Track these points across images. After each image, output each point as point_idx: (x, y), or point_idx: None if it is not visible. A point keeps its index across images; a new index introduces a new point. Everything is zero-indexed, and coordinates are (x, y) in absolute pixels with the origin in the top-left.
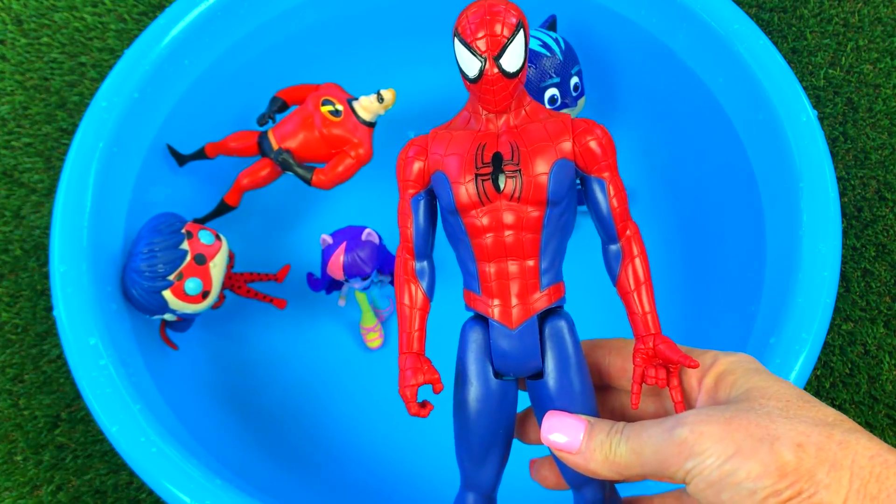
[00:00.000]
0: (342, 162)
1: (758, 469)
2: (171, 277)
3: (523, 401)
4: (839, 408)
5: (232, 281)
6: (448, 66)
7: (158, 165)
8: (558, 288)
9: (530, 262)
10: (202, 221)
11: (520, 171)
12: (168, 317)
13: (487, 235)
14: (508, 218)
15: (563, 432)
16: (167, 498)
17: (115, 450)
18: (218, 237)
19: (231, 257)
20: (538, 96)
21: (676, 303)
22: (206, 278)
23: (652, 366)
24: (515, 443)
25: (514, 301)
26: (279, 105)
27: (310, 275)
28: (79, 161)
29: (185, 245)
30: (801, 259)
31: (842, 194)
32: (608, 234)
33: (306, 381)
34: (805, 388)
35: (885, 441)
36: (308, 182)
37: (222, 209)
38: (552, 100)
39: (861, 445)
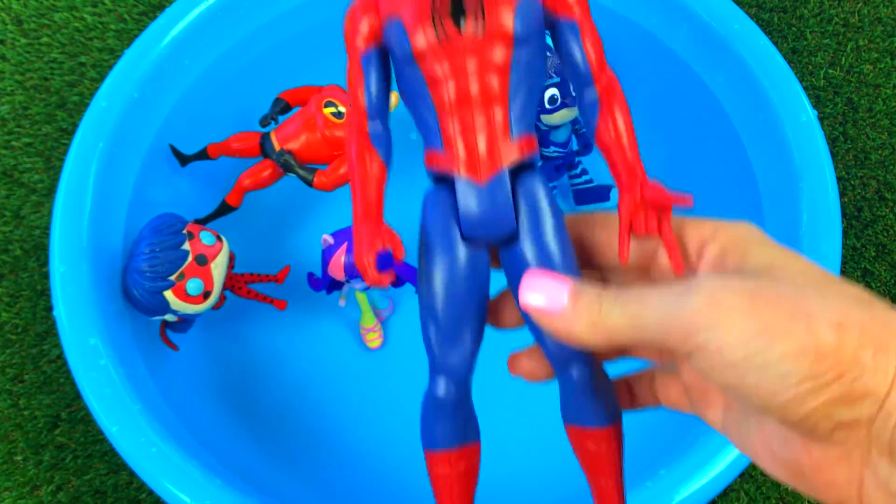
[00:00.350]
0: (344, 164)
1: (792, 349)
2: (173, 278)
3: (497, 283)
4: None
5: (233, 282)
6: None
7: (158, 165)
8: (531, 141)
9: (498, 110)
10: (204, 222)
11: (482, 4)
12: (169, 317)
13: (450, 83)
14: (472, 60)
15: (544, 292)
16: (167, 498)
17: (115, 450)
18: (219, 238)
19: (231, 258)
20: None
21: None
22: (208, 279)
23: (640, 212)
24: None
25: (482, 151)
26: (282, 106)
27: (310, 275)
28: (79, 161)
29: (186, 246)
30: None
31: (842, 194)
32: (583, 80)
33: (306, 381)
34: None
35: None
36: (309, 184)
37: (223, 209)
38: (552, 100)
39: None
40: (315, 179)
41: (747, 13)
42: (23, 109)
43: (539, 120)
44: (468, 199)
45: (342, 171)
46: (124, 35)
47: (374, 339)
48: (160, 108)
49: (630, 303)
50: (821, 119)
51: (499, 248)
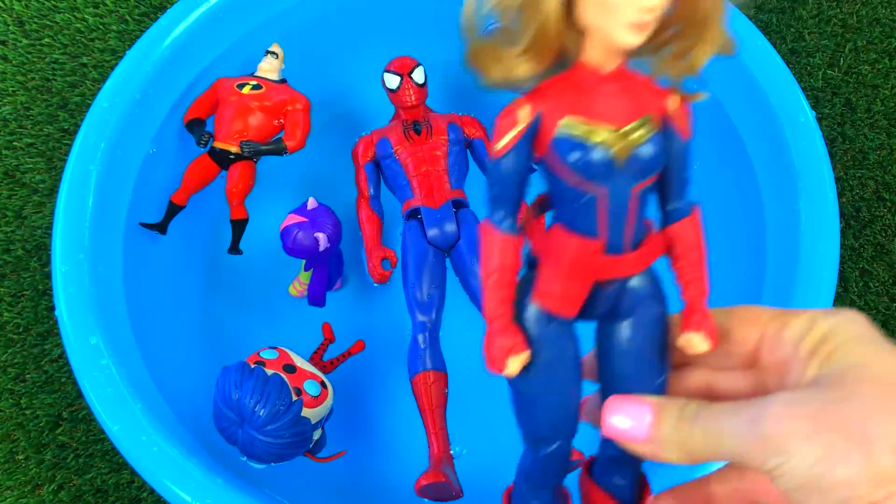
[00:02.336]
0: (296, 117)
1: (851, 475)
2: (294, 398)
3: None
4: None
5: (325, 369)
6: (440, 65)
7: (160, 166)
8: (461, 192)
9: (443, 173)
10: (158, 227)
11: (430, 125)
12: (316, 435)
13: (415, 161)
14: (427, 150)
15: (628, 416)
16: (168, 497)
17: (117, 449)
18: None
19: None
20: None
21: (676, 303)
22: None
23: None
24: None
25: (435, 192)
26: (199, 123)
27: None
28: (80, 161)
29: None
30: (800, 259)
31: (840, 195)
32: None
33: None
34: None
35: None
36: (285, 151)
37: (172, 210)
38: None
39: None
40: (287, 145)
41: (746, 14)
42: (25, 110)
43: None
44: (430, 217)
45: (300, 123)
46: (126, 36)
47: (296, 290)
48: (161, 109)
49: (710, 426)
50: (819, 120)
51: (450, 252)
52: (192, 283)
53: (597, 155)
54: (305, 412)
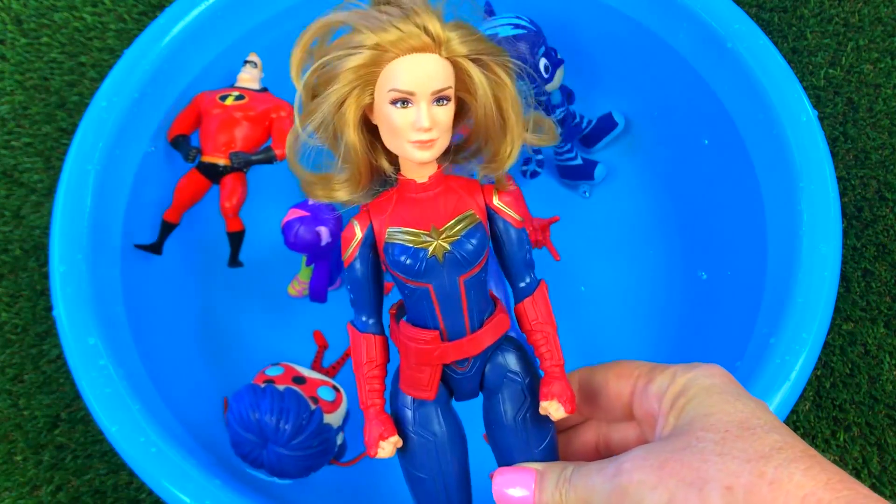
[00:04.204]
0: (282, 124)
1: None
2: (313, 406)
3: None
4: (839, 408)
5: (330, 374)
6: None
7: (158, 166)
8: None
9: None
10: (153, 248)
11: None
12: (339, 440)
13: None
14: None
15: (516, 484)
16: (167, 498)
17: (115, 450)
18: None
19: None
20: (536, 71)
21: (677, 303)
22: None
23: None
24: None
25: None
26: (184, 139)
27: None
28: (78, 161)
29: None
30: (802, 259)
31: (842, 194)
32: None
33: None
34: (805, 389)
35: (886, 441)
36: (275, 159)
37: (167, 229)
38: (546, 68)
39: (794, 484)
40: (277, 154)
41: (748, 13)
42: (22, 109)
43: (544, 93)
44: None
45: (287, 130)
46: (124, 35)
47: (295, 289)
48: (160, 108)
49: (580, 486)
50: (821, 119)
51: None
52: (190, 284)
53: (418, 255)
54: (327, 418)
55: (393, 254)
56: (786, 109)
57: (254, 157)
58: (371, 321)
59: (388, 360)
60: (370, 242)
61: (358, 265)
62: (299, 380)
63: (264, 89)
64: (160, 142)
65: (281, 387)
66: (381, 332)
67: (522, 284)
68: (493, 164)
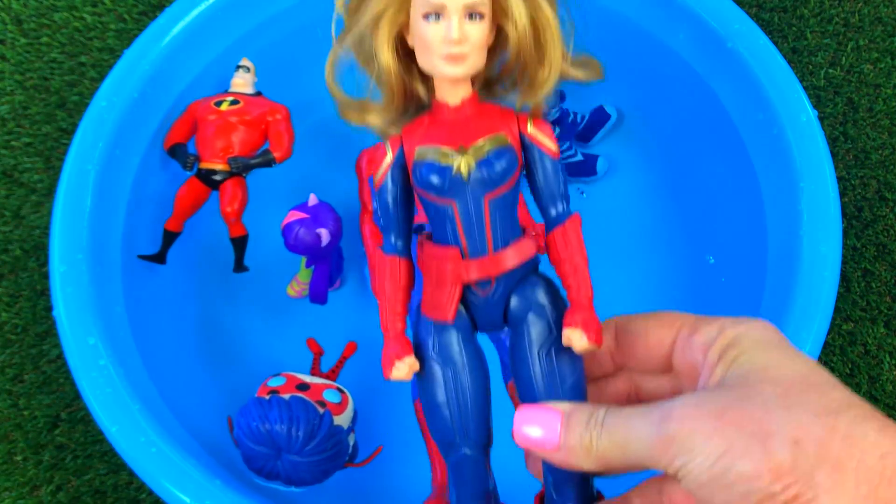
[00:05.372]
0: (278, 128)
1: (750, 469)
2: (321, 410)
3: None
4: None
5: (330, 378)
6: None
7: (158, 165)
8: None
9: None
10: (157, 258)
11: None
12: (351, 440)
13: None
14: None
15: (539, 425)
16: (167, 498)
17: (115, 450)
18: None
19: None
20: None
21: (677, 303)
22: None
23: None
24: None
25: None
26: (182, 148)
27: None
28: (78, 161)
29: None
30: (802, 259)
31: (842, 194)
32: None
33: None
34: None
35: None
36: (274, 162)
37: (169, 238)
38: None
39: (870, 441)
40: (275, 156)
41: (747, 13)
42: (22, 109)
43: None
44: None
45: (283, 133)
46: (124, 35)
47: (294, 290)
48: (160, 108)
49: (617, 430)
50: (821, 119)
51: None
52: (190, 284)
53: (444, 172)
54: (336, 420)
55: (420, 172)
56: (786, 109)
57: (252, 161)
58: (399, 243)
59: (413, 287)
60: (401, 163)
61: (389, 186)
62: (303, 386)
63: (258, 93)
64: (156, 148)
65: (286, 395)
66: (409, 257)
67: (554, 213)
68: (531, 90)
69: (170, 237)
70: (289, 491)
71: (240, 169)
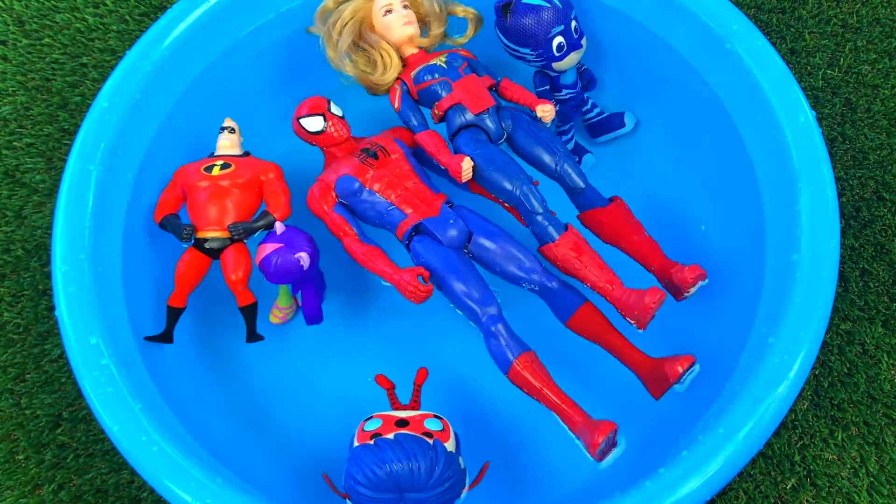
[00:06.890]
0: (273, 187)
1: None
2: (430, 441)
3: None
4: (837, 407)
5: (416, 407)
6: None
7: (159, 166)
8: (441, 193)
9: (418, 182)
10: (163, 338)
11: (379, 146)
12: (461, 463)
13: (389, 182)
14: (391, 168)
15: None
16: (168, 497)
17: (117, 449)
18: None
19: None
20: (547, 46)
21: (677, 303)
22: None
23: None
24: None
25: (426, 204)
26: (174, 218)
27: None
28: (80, 161)
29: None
30: (800, 259)
31: (840, 194)
32: None
33: (305, 382)
34: (803, 388)
35: (883, 440)
36: (275, 223)
37: (174, 315)
38: (559, 47)
39: None
40: (275, 216)
41: (746, 14)
42: (25, 110)
43: (551, 69)
44: (439, 224)
45: (280, 192)
46: (126, 36)
47: (277, 317)
48: (161, 109)
49: None
50: (819, 120)
51: (467, 247)
52: None
53: (434, 67)
54: (448, 446)
55: (420, 73)
56: (784, 110)
57: (255, 225)
58: (420, 124)
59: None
60: (407, 91)
61: (406, 106)
62: (402, 423)
63: (247, 153)
64: (161, 142)
65: (390, 436)
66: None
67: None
68: (432, 26)
69: (174, 313)
70: (288, 488)
71: (241, 235)
